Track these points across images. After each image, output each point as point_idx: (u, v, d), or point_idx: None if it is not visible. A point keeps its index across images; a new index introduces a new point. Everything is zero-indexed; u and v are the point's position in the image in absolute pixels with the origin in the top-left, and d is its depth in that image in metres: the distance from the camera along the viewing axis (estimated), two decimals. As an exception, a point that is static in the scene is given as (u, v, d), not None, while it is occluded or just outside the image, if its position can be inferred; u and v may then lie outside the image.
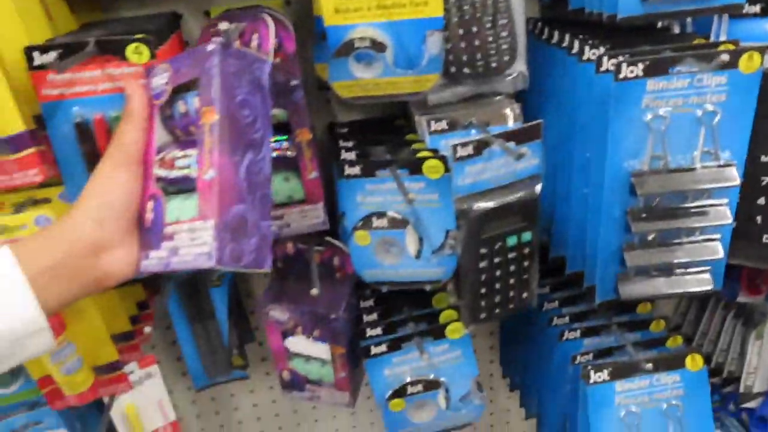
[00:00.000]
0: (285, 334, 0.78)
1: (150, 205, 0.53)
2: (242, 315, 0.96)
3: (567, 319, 0.86)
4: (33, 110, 0.57)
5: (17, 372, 0.68)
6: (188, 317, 0.82)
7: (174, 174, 0.53)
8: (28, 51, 0.55)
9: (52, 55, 0.55)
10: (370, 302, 0.83)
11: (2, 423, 0.72)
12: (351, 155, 0.73)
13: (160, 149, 0.55)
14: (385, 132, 0.81)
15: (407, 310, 0.81)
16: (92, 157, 0.59)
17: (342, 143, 0.76)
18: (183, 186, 0.53)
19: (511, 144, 0.65)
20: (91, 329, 0.64)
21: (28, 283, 0.47)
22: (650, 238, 0.69)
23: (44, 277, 0.48)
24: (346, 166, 0.70)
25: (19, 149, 0.55)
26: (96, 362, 0.67)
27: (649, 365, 0.75)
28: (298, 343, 0.78)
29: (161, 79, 0.55)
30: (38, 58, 0.55)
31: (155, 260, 0.52)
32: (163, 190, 0.53)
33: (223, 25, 0.60)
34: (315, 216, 0.68)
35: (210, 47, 0.51)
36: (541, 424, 0.98)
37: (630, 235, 0.69)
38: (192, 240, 0.50)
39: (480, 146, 0.64)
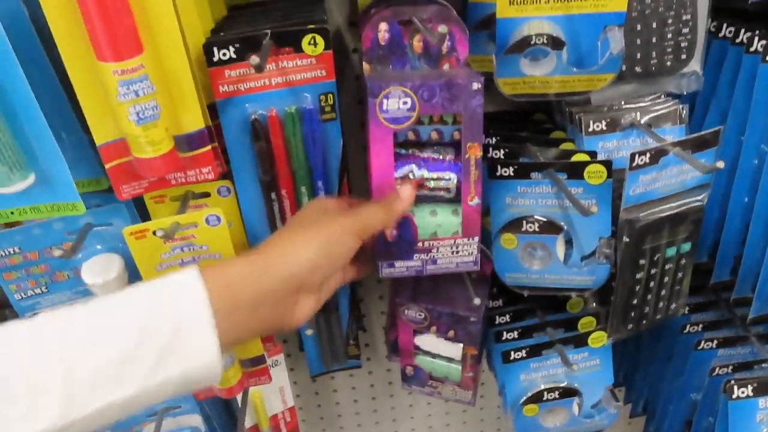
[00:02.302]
0: (416, 332, 0.77)
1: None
2: (355, 303, 0.94)
3: (700, 327, 0.82)
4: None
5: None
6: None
7: (424, 193, 0.60)
8: (208, 47, 0.53)
9: (230, 51, 0.53)
10: (499, 302, 0.82)
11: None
12: (499, 153, 0.70)
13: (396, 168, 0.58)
14: (526, 127, 0.78)
15: (540, 313, 0.79)
16: (263, 154, 0.58)
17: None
18: (426, 205, 0.61)
19: (688, 153, 0.61)
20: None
21: (213, 325, 0.43)
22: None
23: (236, 314, 0.46)
24: (499, 166, 0.67)
25: (197, 146, 0.53)
26: (245, 356, 0.66)
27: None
28: (429, 341, 0.77)
29: (400, 104, 0.55)
30: (217, 54, 0.53)
31: (403, 268, 0.62)
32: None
33: (409, 22, 0.56)
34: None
35: (475, 86, 0.54)
36: (653, 425, 0.95)
37: (799, 250, 0.65)
38: (454, 252, 0.62)
39: (657, 155, 0.60)
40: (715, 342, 0.80)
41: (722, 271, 0.75)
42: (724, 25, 0.69)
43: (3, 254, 0.58)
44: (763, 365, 0.78)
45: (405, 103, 0.56)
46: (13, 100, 0.46)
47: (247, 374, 0.68)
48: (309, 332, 0.70)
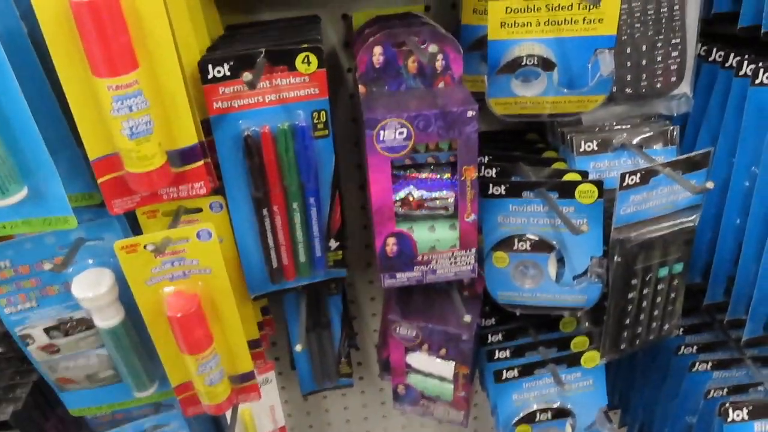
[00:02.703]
0: (407, 350, 0.77)
1: (392, 240, 0.62)
2: (348, 321, 0.94)
3: (694, 349, 0.82)
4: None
5: (154, 376, 0.67)
6: (306, 327, 0.81)
7: (422, 212, 0.62)
8: (203, 64, 0.53)
9: (225, 68, 0.54)
10: (492, 320, 0.81)
11: (132, 425, 0.72)
12: (491, 172, 0.70)
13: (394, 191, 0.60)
14: (519, 147, 0.78)
15: (533, 332, 0.78)
16: (255, 171, 0.58)
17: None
18: (424, 222, 0.63)
19: (678, 173, 0.62)
20: (234, 339, 0.63)
21: None
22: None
23: None
24: (490, 185, 0.67)
25: (189, 161, 0.54)
26: (233, 372, 0.66)
27: (793, 407, 0.72)
28: (421, 359, 0.76)
29: (396, 135, 0.56)
30: (211, 71, 0.54)
31: (404, 278, 0.65)
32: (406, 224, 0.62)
33: (403, 44, 0.57)
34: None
35: (470, 113, 0.56)
36: (647, 450, 0.94)
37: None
38: (452, 263, 0.64)
39: (648, 175, 0.61)
40: (710, 364, 0.79)
41: (715, 292, 0.75)
42: (714, 50, 0.70)
43: (-6, 268, 0.58)
44: (759, 388, 0.77)
45: (401, 133, 0.57)
46: (9, 113, 0.46)
47: (236, 390, 0.67)
48: (298, 348, 0.70)
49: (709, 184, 0.58)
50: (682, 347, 0.81)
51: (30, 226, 0.52)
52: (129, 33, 0.46)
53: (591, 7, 0.58)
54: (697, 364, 0.79)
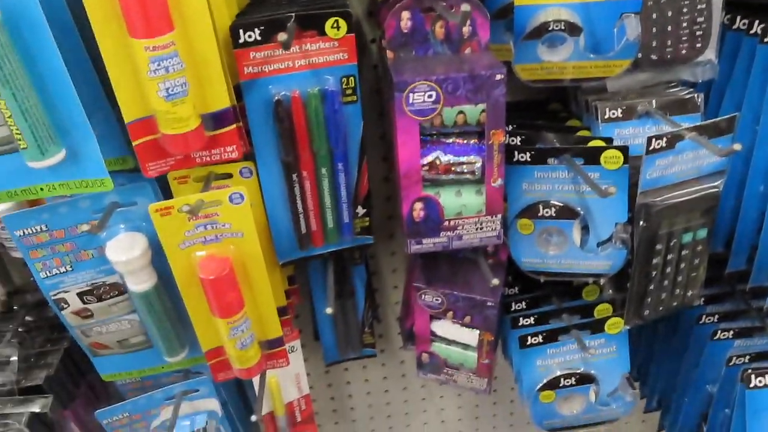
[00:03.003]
0: (432, 318, 0.78)
1: (419, 205, 0.63)
2: (371, 292, 0.95)
3: (716, 318, 0.82)
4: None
5: (185, 342, 0.69)
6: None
7: (450, 176, 0.62)
8: (234, 29, 0.54)
9: (256, 33, 0.54)
10: (515, 289, 0.82)
11: (161, 390, 0.74)
12: (517, 140, 0.70)
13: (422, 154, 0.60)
14: (542, 116, 0.79)
15: (556, 300, 0.79)
16: (285, 135, 0.59)
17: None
18: (451, 187, 0.63)
19: (704, 138, 0.62)
20: (264, 305, 0.64)
21: None
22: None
23: None
24: (516, 152, 0.67)
25: (222, 125, 0.54)
26: (263, 337, 0.67)
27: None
28: (445, 327, 0.77)
29: (426, 97, 0.57)
30: (243, 36, 0.54)
31: (430, 244, 0.65)
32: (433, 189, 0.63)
33: (431, 9, 0.58)
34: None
35: (498, 76, 0.56)
36: (668, 420, 0.95)
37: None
38: (478, 228, 0.65)
39: (674, 139, 0.61)
40: (732, 332, 0.80)
41: (738, 261, 0.76)
42: (738, 17, 0.70)
43: (30, 232, 0.60)
44: (780, 355, 0.78)
45: (430, 96, 0.57)
46: (47, 77, 0.47)
47: (266, 356, 0.68)
48: (329, 310, 0.71)
49: (737, 146, 0.58)
50: (704, 316, 0.82)
51: (67, 189, 0.53)
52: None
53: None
54: (719, 332, 0.79)
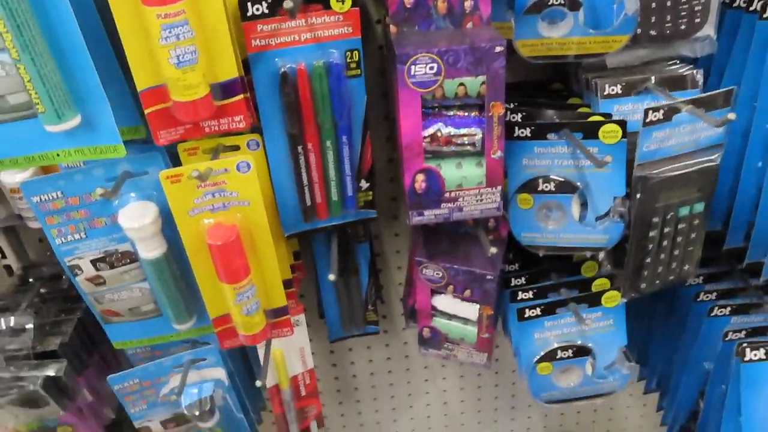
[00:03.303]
0: (433, 293, 0.79)
1: (421, 176, 0.65)
2: (375, 272, 0.97)
3: (713, 296, 0.84)
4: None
5: (193, 310, 0.71)
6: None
7: (451, 148, 0.64)
8: (242, 2, 0.56)
9: (263, 6, 0.56)
10: (515, 266, 0.84)
11: (171, 358, 0.76)
12: (517, 116, 0.72)
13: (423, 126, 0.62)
14: (544, 95, 0.80)
15: (555, 275, 0.81)
16: (291, 107, 0.61)
17: (504, 105, 0.76)
18: (452, 159, 0.65)
19: (701, 110, 0.63)
20: (269, 273, 0.66)
21: None
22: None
23: None
24: (516, 128, 0.69)
25: (230, 95, 0.56)
26: (268, 306, 0.69)
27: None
28: (446, 301, 0.79)
29: (427, 69, 0.59)
30: (251, 9, 0.56)
31: (432, 215, 0.67)
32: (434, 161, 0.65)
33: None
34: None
35: (498, 48, 0.58)
36: (666, 399, 0.97)
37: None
38: (478, 200, 0.67)
39: (670, 112, 0.63)
40: (729, 309, 0.81)
41: (736, 237, 0.77)
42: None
43: (47, 198, 0.62)
44: (777, 331, 0.79)
45: (432, 68, 0.59)
46: (63, 44, 0.50)
47: (270, 324, 0.71)
48: (331, 277, 0.73)
49: (731, 116, 0.59)
50: (702, 293, 0.83)
51: (82, 154, 0.55)
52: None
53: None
54: (716, 309, 0.81)
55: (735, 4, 0.71)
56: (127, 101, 0.58)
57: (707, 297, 0.83)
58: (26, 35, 0.47)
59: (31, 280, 0.86)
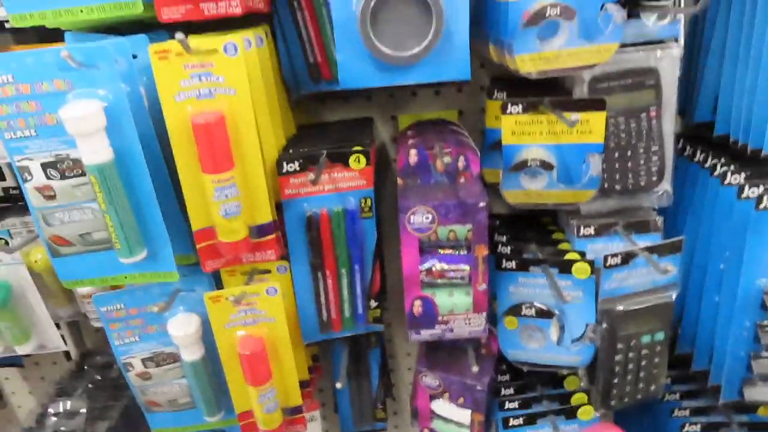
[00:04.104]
0: (432, 398, 0.90)
1: (418, 302, 0.77)
2: (386, 372, 1.08)
3: (687, 412, 0.92)
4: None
5: (222, 406, 0.83)
6: (349, 373, 0.95)
7: (444, 280, 0.76)
8: (279, 161, 0.71)
9: (296, 164, 0.71)
10: (507, 377, 0.94)
11: (201, 446, 0.87)
12: (506, 250, 0.85)
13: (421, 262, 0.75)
14: (534, 228, 0.93)
15: (540, 388, 0.91)
16: (314, 243, 0.75)
17: (497, 237, 0.89)
18: (444, 288, 0.77)
19: (654, 256, 0.75)
20: (288, 377, 0.78)
21: None
22: (779, 349, 0.77)
23: None
24: (504, 260, 0.82)
25: (264, 234, 0.71)
26: (286, 404, 0.81)
27: (771, 467, 0.81)
28: (443, 406, 0.90)
29: (424, 218, 0.73)
30: (285, 167, 0.71)
31: (428, 335, 0.79)
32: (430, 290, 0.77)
33: (433, 147, 0.74)
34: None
35: (481, 204, 0.72)
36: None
37: (758, 345, 0.77)
38: (467, 323, 0.78)
39: (627, 257, 0.75)
40: (699, 426, 0.89)
41: (701, 361, 0.87)
42: (698, 151, 0.85)
43: (112, 309, 0.76)
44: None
45: (427, 217, 0.73)
46: (140, 197, 0.65)
47: (287, 421, 0.82)
48: (339, 385, 0.84)
49: (668, 267, 0.71)
50: (676, 410, 0.92)
51: (144, 278, 0.70)
52: (230, 144, 0.64)
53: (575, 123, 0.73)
54: (687, 425, 0.89)
55: (696, 159, 0.85)
56: (182, 235, 0.73)
57: (681, 413, 0.92)
58: (113, 195, 0.62)
59: (86, 367, 0.99)
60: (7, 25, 0.76)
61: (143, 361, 0.80)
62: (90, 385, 0.94)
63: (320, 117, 0.95)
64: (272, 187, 0.72)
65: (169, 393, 0.83)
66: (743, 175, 0.76)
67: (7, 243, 0.77)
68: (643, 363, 0.81)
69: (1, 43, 0.76)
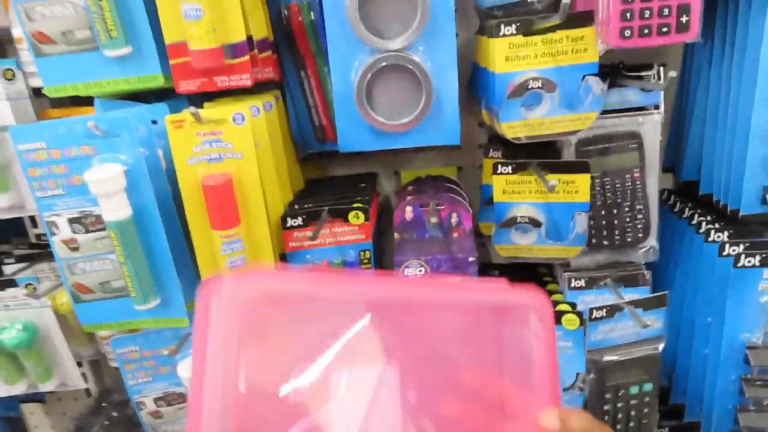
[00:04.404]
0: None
1: None
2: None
3: (685, 462, 0.94)
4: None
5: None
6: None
7: None
8: (284, 217, 0.77)
9: (299, 219, 0.77)
10: None
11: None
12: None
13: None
14: (530, 279, 0.97)
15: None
16: (314, 293, 0.80)
17: (493, 287, 0.93)
18: None
19: (639, 310, 0.79)
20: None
21: None
22: (766, 403, 0.79)
23: None
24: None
25: (268, 285, 0.76)
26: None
27: None
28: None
29: (417, 271, 0.78)
30: (290, 222, 0.77)
31: None
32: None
33: (427, 204, 0.80)
34: None
35: (471, 258, 0.77)
36: None
37: (744, 399, 0.79)
38: None
39: (612, 310, 0.78)
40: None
41: (693, 412, 0.89)
42: (686, 209, 0.88)
43: (127, 350, 0.82)
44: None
45: (421, 270, 0.77)
46: (155, 250, 0.71)
47: None
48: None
49: (649, 321, 0.74)
50: (675, 460, 0.94)
51: (156, 323, 0.76)
52: (237, 204, 0.70)
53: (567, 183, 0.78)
54: (683, 476, 0.91)
55: (684, 216, 0.89)
56: (193, 283, 0.79)
57: (680, 464, 0.94)
58: (130, 248, 0.69)
59: (104, 404, 1.05)
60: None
61: (155, 400, 0.85)
62: (107, 422, 0.99)
63: (329, 171, 1.01)
64: (277, 239, 0.77)
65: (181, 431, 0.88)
66: (726, 233, 0.80)
67: (35, 288, 0.84)
68: (633, 413, 0.83)
69: (39, 108, 0.84)
